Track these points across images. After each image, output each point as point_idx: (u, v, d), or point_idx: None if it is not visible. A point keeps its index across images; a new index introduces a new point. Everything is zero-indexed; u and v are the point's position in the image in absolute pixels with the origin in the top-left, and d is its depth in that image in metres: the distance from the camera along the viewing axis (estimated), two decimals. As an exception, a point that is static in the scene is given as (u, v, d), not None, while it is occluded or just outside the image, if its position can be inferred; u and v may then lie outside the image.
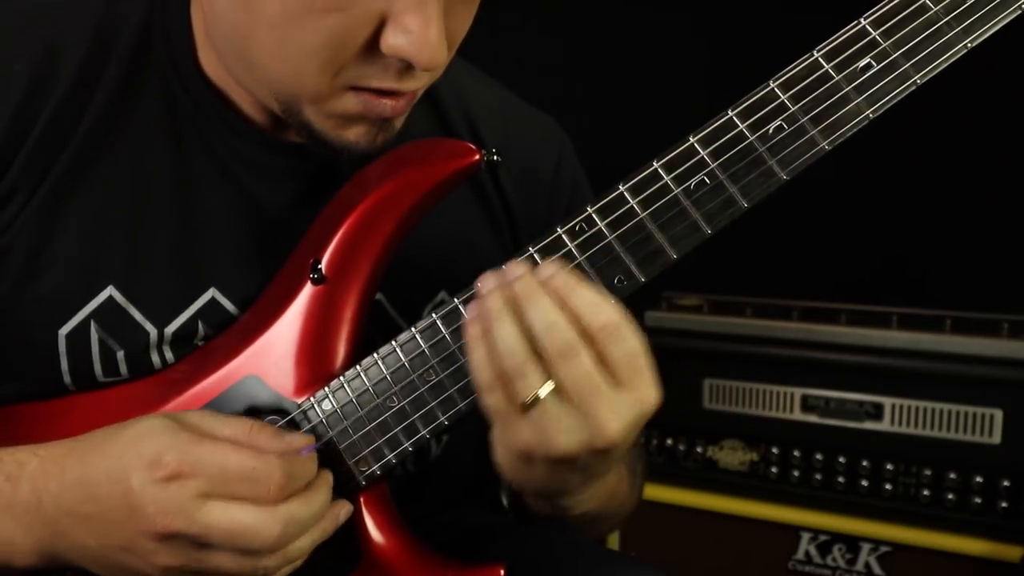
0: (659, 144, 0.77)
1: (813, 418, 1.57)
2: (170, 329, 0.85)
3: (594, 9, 2.01)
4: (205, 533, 0.70)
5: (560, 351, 0.68)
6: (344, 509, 0.79)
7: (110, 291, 0.83)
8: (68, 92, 0.82)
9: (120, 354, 0.84)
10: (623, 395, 0.70)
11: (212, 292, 0.86)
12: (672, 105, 1.59)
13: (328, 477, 0.78)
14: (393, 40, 0.72)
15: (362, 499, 0.82)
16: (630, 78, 2.00)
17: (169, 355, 0.85)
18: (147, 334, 0.84)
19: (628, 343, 0.69)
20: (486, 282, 0.72)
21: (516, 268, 0.71)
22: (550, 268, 0.71)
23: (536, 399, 0.69)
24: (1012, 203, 1.77)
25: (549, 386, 0.69)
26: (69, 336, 0.83)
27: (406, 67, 0.75)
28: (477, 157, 0.82)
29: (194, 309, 0.85)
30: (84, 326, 0.83)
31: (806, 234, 1.85)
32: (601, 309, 0.69)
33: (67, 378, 0.84)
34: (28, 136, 0.81)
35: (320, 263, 0.83)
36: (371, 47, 0.74)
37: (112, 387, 0.85)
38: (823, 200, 1.61)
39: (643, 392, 0.70)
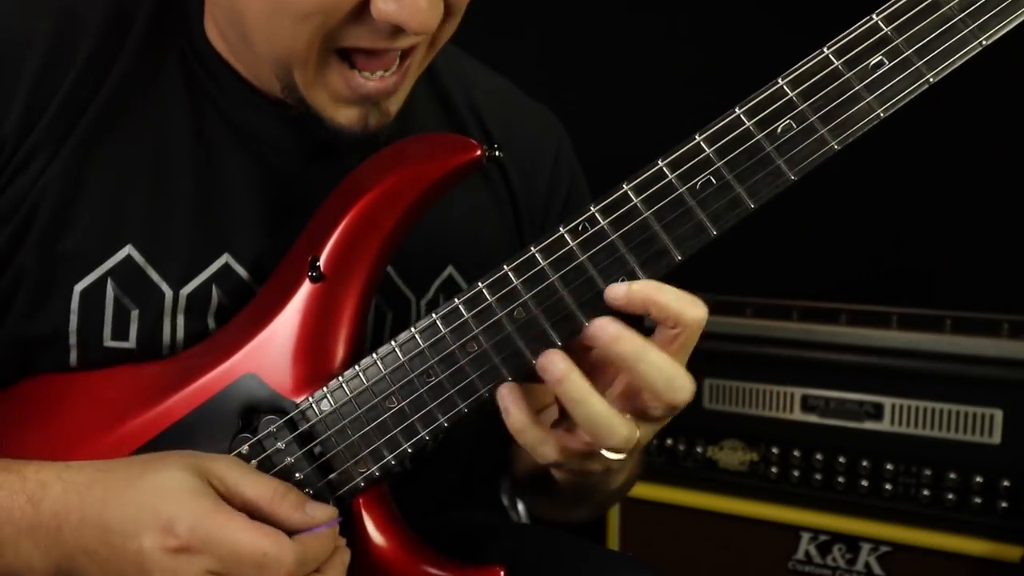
0: (665, 143, 0.76)
1: (813, 418, 1.57)
2: (185, 291, 0.85)
3: (597, 7, 2.00)
4: None
5: (685, 401, 0.74)
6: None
7: (129, 250, 0.84)
8: (91, 56, 0.83)
9: (134, 313, 0.84)
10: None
11: (226, 257, 0.86)
12: (678, 103, 1.58)
13: (344, 558, 0.77)
14: (383, 5, 0.74)
15: (361, 500, 0.81)
16: (632, 75, 1.99)
17: (180, 326, 0.85)
18: (163, 295, 0.84)
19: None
20: (555, 365, 0.72)
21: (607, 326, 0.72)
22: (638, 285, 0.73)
23: (636, 441, 0.74)
24: (1012, 203, 1.77)
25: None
26: (84, 292, 0.83)
27: (397, 28, 0.76)
28: (479, 152, 0.81)
29: (209, 273, 0.86)
30: (101, 283, 0.83)
31: (806, 234, 1.84)
32: (696, 303, 0.74)
33: (72, 338, 0.84)
34: (53, 97, 0.82)
35: (319, 261, 0.82)
36: (361, 11, 0.75)
37: (114, 373, 0.85)
38: (824, 200, 1.60)
39: None
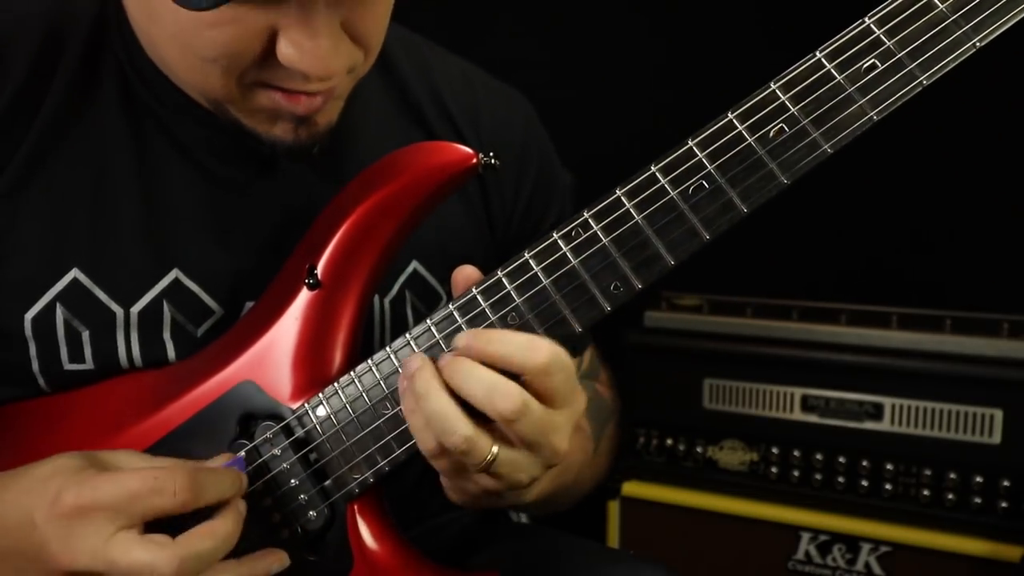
0: (652, 144, 0.76)
1: (813, 418, 1.56)
2: (135, 309, 0.85)
3: (587, 6, 2.00)
4: (108, 570, 0.69)
5: (512, 412, 0.68)
6: (276, 559, 0.78)
7: (75, 273, 0.83)
8: (22, 84, 0.83)
9: (85, 335, 0.84)
10: (565, 413, 0.72)
11: (175, 273, 0.86)
12: (669, 106, 1.58)
13: (239, 506, 0.75)
14: (285, 51, 0.73)
15: (356, 506, 0.81)
16: (623, 78, 1.99)
17: (136, 340, 0.85)
18: (113, 315, 0.84)
19: (567, 369, 0.70)
20: (412, 362, 0.72)
21: (414, 360, 0.72)
22: (463, 338, 0.71)
23: (493, 457, 0.70)
24: (1012, 203, 1.76)
25: (498, 444, 0.70)
26: (35, 320, 0.83)
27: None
28: (475, 161, 0.81)
29: (158, 289, 0.85)
30: (50, 309, 0.83)
31: (806, 234, 1.84)
32: (536, 348, 0.69)
33: (35, 364, 0.84)
34: None
35: (316, 268, 0.82)
36: (269, 54, 0.75)
37: (112, 384, 0.85)
38: (823, 200, 1.60)
39: (578, 402, 0.73)
